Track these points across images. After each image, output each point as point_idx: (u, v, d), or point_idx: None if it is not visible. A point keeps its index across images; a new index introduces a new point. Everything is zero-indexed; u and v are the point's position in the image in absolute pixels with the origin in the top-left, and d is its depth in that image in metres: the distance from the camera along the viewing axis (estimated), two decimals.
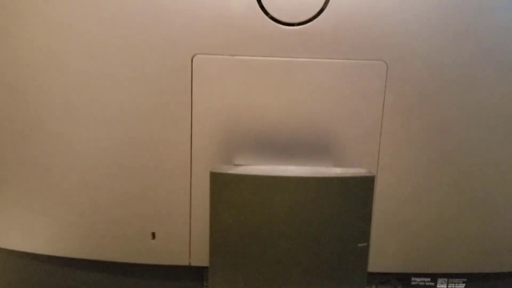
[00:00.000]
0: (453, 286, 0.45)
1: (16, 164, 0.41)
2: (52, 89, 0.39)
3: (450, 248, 0.42)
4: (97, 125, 0.39)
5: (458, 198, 0.41)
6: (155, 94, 0.38)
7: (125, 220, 0.41)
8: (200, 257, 0.42)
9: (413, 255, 0.42)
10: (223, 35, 0.37)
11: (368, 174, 0.34)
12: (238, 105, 0.38)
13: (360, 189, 0.34)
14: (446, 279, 0.45)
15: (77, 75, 0.38)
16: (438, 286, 0.45)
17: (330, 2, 0.36)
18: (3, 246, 0.44)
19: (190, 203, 0.40)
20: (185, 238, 0.42)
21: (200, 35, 0.37)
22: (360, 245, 0.34)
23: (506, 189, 0.41)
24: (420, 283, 0.45)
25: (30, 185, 0.41)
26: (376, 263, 0.42)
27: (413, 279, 0.45)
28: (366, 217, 0.34)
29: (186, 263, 0.42)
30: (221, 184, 0.34)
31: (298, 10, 0.36)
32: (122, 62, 0.38)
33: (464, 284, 0.45)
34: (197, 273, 0.44)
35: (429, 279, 0.44)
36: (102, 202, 0.41)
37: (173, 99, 0.38)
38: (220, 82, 0.38)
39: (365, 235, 0.34)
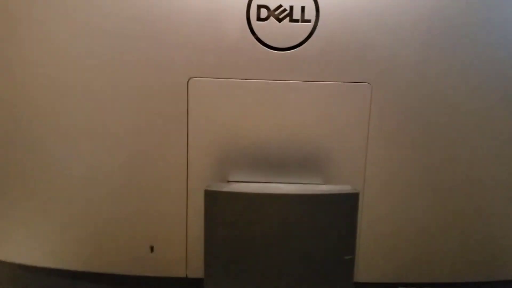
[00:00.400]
0: None
1: (18, 180, 0.42)
2: (52, 110, 0.40)
3: (435, 258, 0.43)
4: (99, 145, 0.40)
5: (441, 211, 0.42)
6: (153, 115, 0.39)
7: (125, 234, 0.42)
8: (196, 269, 0.43)
9: (399, 266, 0.43)
10: (217, 59, 0.38)
11: (353, 191, 0.35)
12: (232, 124, 0.40)
13: (346, 205, 0.35)
14: None
15: (77, 97, 0.39)
16: None
17: (317, 28, 0.37)
18: (4, 259, 0.45)
19: (187, 218, 0.41)
20: (182, 251, 0.43)
21: (195, 60, 0.38)
22: (346, 257, 0.35)
23: (487, 201, 0.42)
24: None
25: (32, 201, 0.42)
26: (364, 273, 0.43)
27: None
28: (351, 231, 0.35)
29: (183, 275, 0.43)
30: (215, 201, 0.35)
31: (287, 36, 0.38)
32: (121, 84, 0.39)
33: None
34: (194, 284, 0.44)
35: None
36: (103, 218, 0.42)
37: (170, 119, 0.39)
38: (215, 104, 0.39)
39: (351, 248, 0.35)
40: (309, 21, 0.37)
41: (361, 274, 0.43)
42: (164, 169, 0.41)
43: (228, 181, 0.40)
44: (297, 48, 0.38)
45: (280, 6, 0.37)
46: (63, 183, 0.42)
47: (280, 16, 0.37)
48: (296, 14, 0.37)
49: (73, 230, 0.43)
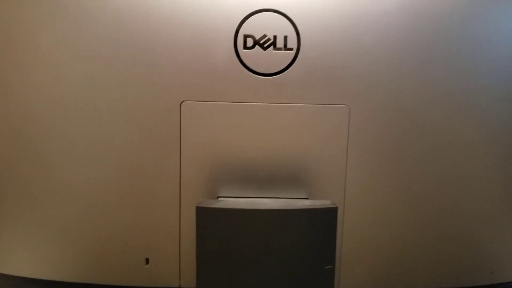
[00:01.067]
0: None
1: (15, 193, 0.43)
2: (51, 129, 0.41)
3: (414, 267, 0.45)
4: (96, 161, 0.42)
5: (418, 221, 0.44)
6: (149, 135, 0.41)
7: (122, 247, 0.44)
8: (189, 280, 0.44)
9: (380, 275, 0.45)
10: (207, 84, 0.40)
11: (332, 206, 0.37)
12: (222, 144, 0.42)
13: (326, 218, 0.37)
14: None
15: (76, 116, 0.41)
16: None
17: (299, 55, 0.40)
18: (3, 272, 0.46)
19: (180, 231, 0.43)
20: (176, 263, 0.44)
21: (187, 85, 0.40)
22: (327, 267, 0.37)
23: (461, 209, 0.44)
24: None
25: (28, 214, 0.43)
26: (346, 283, 0.44)
27: None
28: (331, 242, 0.37)
29: (177, 286, 0.45)
30: (206, 216, 0.37)
31: (271, 63, 0.40)
32: (119, 106, 0.41)
33: None
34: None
35: None
36: (101, 232, 0.44)
37: (164, 140, 0.41)
38: (205, 125, 0.41)
39: (331, 258, 0.37)
40: (291, 49, 0.40)
41: (343, 283, 0.44)
42: (158, 185, 0.42)
43: (218, 197, 0.42)
44: (280, 74, 0.40)
45: (265, 35, 0.40)
46: (60, 197, 0.43)
47: (265, 45, 0.40)
48: (280, 43, 0.40)
49: (70, 243, 0.44)
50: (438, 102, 0.42)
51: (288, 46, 0.40)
